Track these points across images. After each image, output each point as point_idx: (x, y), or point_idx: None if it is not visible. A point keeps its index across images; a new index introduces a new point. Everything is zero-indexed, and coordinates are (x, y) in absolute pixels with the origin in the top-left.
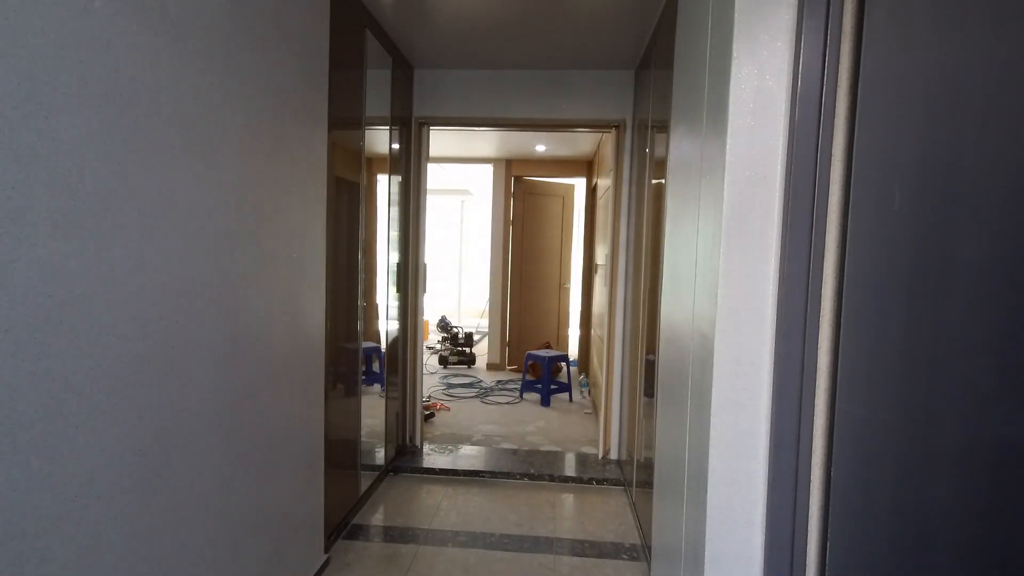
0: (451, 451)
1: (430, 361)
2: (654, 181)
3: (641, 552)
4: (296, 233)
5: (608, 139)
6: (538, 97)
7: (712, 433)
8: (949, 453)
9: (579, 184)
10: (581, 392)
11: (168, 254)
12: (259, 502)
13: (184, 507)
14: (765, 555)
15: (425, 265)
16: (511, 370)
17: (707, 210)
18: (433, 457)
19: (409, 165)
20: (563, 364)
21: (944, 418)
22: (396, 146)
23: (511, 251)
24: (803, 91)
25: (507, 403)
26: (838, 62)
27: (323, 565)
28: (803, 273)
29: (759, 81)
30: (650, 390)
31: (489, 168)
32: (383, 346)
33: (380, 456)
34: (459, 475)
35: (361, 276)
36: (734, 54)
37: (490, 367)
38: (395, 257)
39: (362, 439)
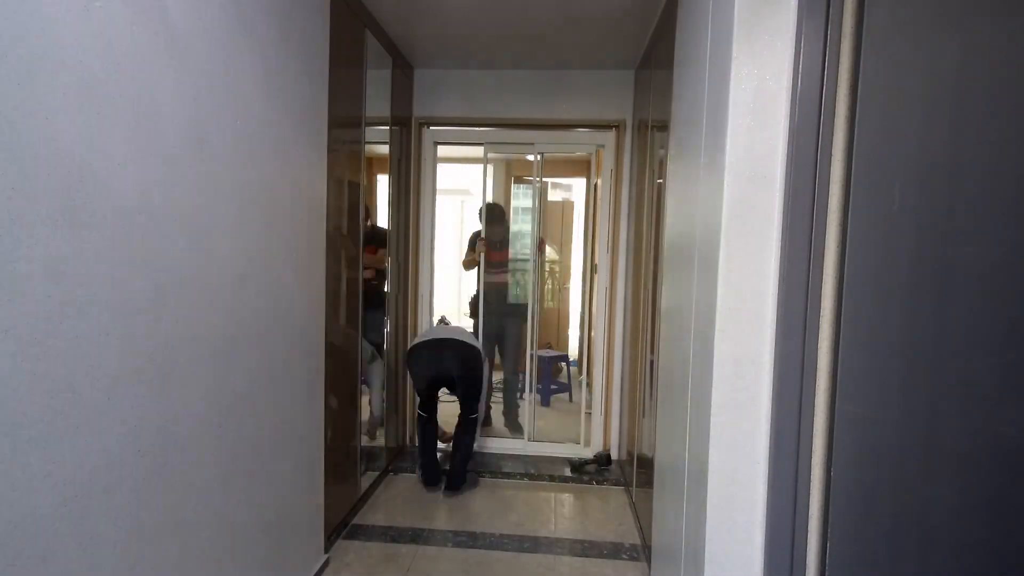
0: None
1: None
2: (654, 181)
3: (641, 552)
4: (296, 233)
5: (609, 144)
6: (538, 97)
7: (712, 433)
8: (949, 453)
9: (579, 184)
10: (581, 392)
11: (168, 254)
12: (259, 502)
13: (184, 507)
14: (765, 555)
15: (433, 266)
16: None
17: (707, 210)
18: None
19: (409, 165)
20: (563, 364)
21: (944, 418)
22: (396, 146)
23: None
24: (803, 91)
25: None
26: (838, 62)
27: (323, 565)
28: (803, 273)
29: (759, 81)
30: (650, 390)
31: (489, 168)
32: (384, 346)
33: (380, 456)
34: None
35: (361, 276)
36: (734, 54)
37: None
38: (397, 256)
39: (362, 439)
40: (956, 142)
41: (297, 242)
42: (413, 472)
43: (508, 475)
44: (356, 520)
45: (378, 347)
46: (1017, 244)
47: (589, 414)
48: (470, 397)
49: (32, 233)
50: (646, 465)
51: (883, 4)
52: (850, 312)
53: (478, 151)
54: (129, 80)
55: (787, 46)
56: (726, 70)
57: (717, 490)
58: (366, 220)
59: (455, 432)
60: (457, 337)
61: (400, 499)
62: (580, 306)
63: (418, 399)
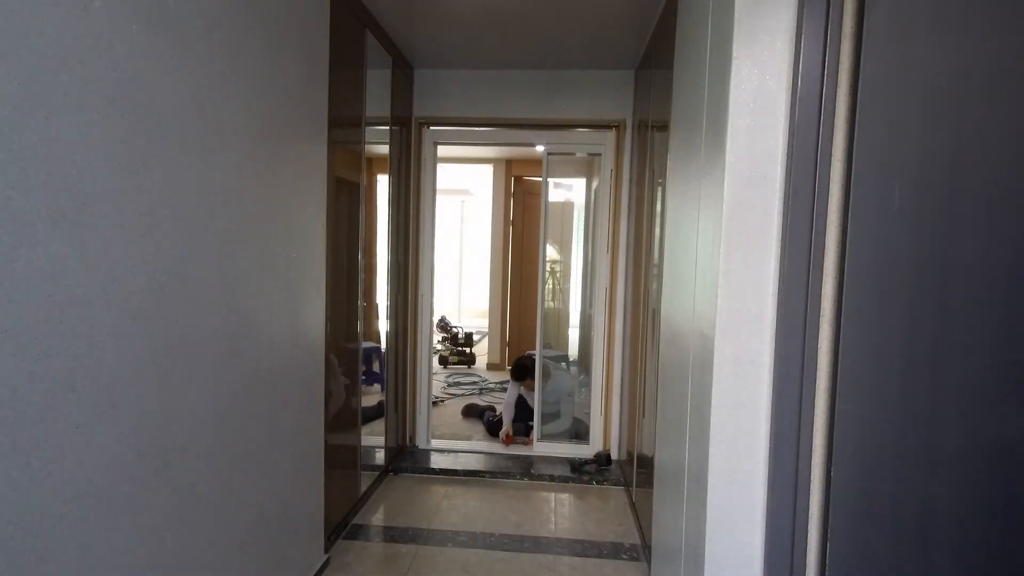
0: (451, 451)
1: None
2: (654, 181)
3: (641, 552)
4: (296, 233)
5: (609, 144)
6: (538, 97)
7: (712, 433)
8: (949, 453)
9: (579, 184)
10: (581, 392)
11: (168, 254)
12: (259, 502)
13: (184, 507)
14: (765, 555)
15: (433, 266)
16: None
17: (707, 210)
18: (433, 457)
19: (409, 165)
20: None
21: (944, 418)
22: (396, 146)
23: (511, 251)
24: (803, 91)
25: None
26: (838, 62)
27: (323, 565)
28: (803, 273)
29: (759, 81)
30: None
31: (489, 168)
32: (383, 346)
33: (380, 456)
34: (459, 475)
35: (361, 276)
36: (734, 54)
37: (490, 367)
38: (397, 256)
39: (362, 439)
40: (956, 142)
41: (297, 241)
42: (413, 472)
43: (508, 475)
44: (356, 520)
45: None
46: (1017, 244)
47: (588, 414)
48: None
49: (32, 233)
50: (646, 465)
51: (883, 4)
52: (850, 312)
53: (478, 151)
54: (129, 80)
55: (787, 46)
56: (726, 70)
57: (717, 490)
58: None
59: None
60: None
61: (400, 499)
62: (580, 306)
63: None
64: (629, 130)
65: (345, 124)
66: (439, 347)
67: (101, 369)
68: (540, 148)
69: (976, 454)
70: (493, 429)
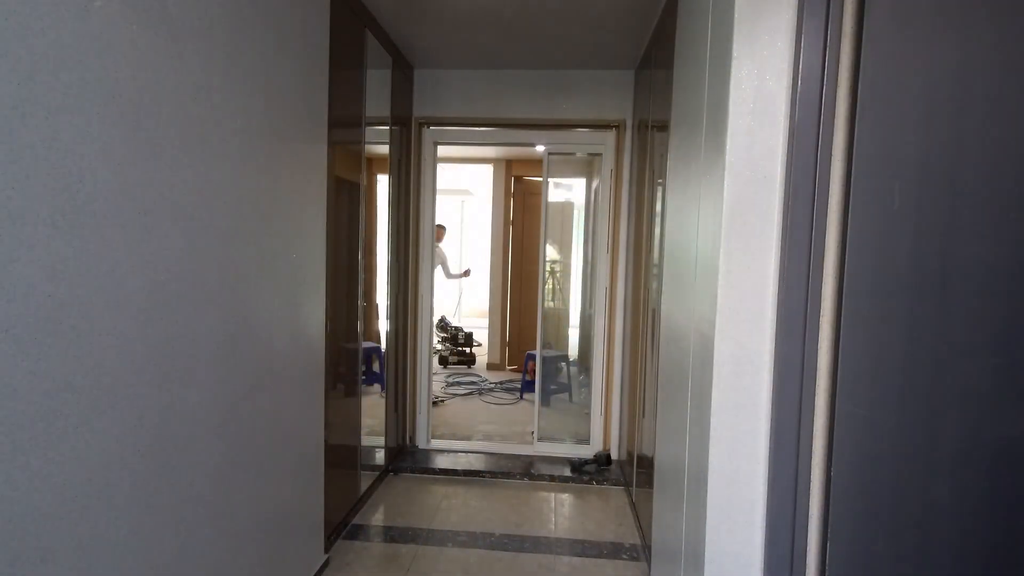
0: (451, 451)
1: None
2: (654, 181)
3: (641, 552)
4: (296, 233)
5: (609, 144)
6: (538, 97)
7: (712, 433)
8: (949, 453)
9: (579, 184)
10: (581, 392)
11: (168, 254)
12: (259, 502)
13: (184, 507)
14: (765, 555)
15: (433, 266)
16: (511, 370)
17: (707, 210)
18: (433, 457)
19: (409, 165)
20: (563, 364)
21: (944, 418)
22: (396, 146)
23: (511, 251)
24: (803, 91)
25: (507, 403)
26: (838, 62)
27: (323, 565)
28: (803, 273)
29: (759, 81)
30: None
31: (489, 168)
32: (383, 346)
33: (380, 456)
34: (459, 475)
35: (361, 276)
36: (734, 54)
37: (490, 367)
38: (397, 256)
39: (362, 439)
40: (956, 142)
41: (297, 241)
42: (413, 472)
43: (508, 475)
44: (356, 520)
45: None
46: (1017, 243)
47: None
48: None
49: (32, 233)
50: (646, 465)
51: (883, 4)
52: (850, 312)
53: (478, 151)
54: (129, 80)
55: (787, 46)
56: (726, 70)
57: (717, 490)
58: None
59: None
60: None
61: (400, 499)
62: (580, 306)
63: None
64: (629, 130)
65: (345, 124)
66: (439, 347)
67: (101, 369)
68: (540, 148)
69: (976, 454)
70: None
